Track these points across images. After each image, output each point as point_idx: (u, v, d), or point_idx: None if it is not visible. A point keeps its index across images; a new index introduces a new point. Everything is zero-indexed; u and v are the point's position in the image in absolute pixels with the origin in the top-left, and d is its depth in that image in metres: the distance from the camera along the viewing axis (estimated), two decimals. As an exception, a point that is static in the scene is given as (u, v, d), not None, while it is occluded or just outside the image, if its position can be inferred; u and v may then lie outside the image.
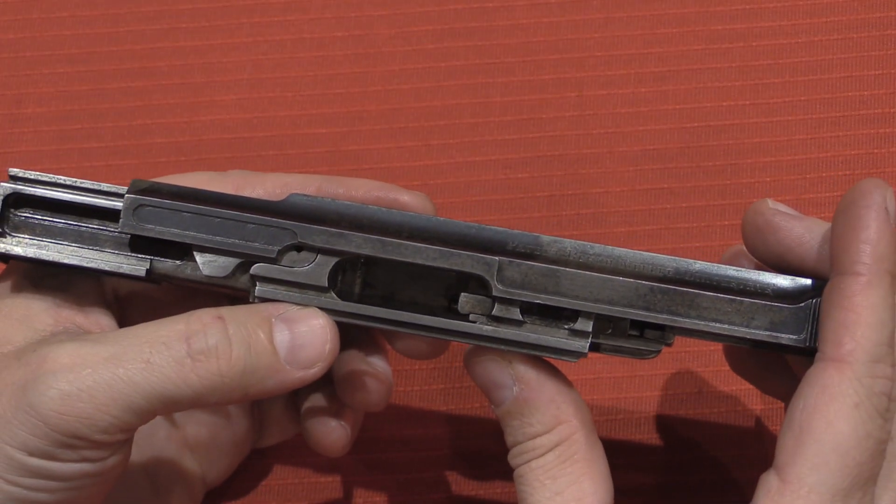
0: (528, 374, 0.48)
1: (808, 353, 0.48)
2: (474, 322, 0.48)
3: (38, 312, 0.49)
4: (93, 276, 0.50)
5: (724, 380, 0.61)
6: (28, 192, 0.49)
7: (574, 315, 0.48)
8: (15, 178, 0.49)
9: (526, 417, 0.48)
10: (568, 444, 0.47)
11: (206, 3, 0.69)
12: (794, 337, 0.48)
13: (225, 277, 0.48)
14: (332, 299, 0.48)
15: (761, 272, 0.48)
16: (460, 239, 0.48)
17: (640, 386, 0.61)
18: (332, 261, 0.48)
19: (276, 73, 0.67)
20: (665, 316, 0.48)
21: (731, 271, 0.48)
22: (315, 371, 0.47)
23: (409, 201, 0.52)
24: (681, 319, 0.48)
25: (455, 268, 0.48)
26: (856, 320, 0.45)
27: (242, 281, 0.48)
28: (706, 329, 0.48)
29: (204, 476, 0.57)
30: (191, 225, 0.48)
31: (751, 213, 0.49)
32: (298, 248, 0.48)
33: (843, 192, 0.63)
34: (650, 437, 0.61)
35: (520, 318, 0.48)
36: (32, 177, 0.49)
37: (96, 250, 0.49)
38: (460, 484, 0.61)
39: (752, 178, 0.64)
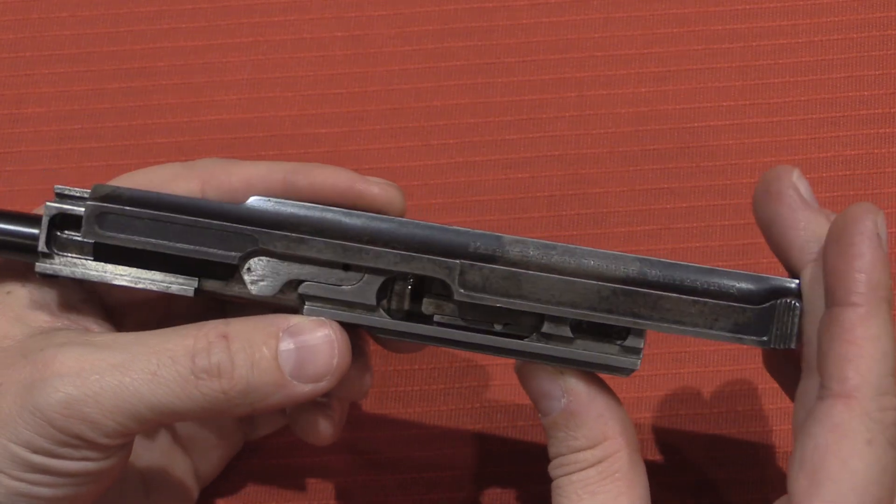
0: (579, 388, 0.48)
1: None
2: (523, 338, 0.48)
3: (33, 310, 0.49)
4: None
5: (725, 380, 0.61)
6: (74, 213, 0.49)
7: (624, 331, 0.48)
8: (62, 197, 0.49)
9: (572, 430, 0.48)
10: (611, 461, 0.47)
11: (207, 4, 0.69)
12: (758, 339, 0.47)
13: (273, 296, 0.48)
14: (382, 317, 0.48)
15: (727, 272, 0.48)
16: (423, 242, 0.48)
17: (639, 386, 0.61)
18: (380, 279, 0.48)
19: (276, 73, 0.67)
20: (628, 318, 0.47)
21: (695, 272, 0.48)
22: (324, 384, 0.47)
23: (375, 192, 0.51)
24: (643, 322, 0.47)
25: (417, 272, 0.48)
26: (858, 353, 0.44)
27: (291, 299, 0.48)
28: (669, 331, 0.47)
29: (196, 470, 0.57)
30: (153, 231, 0.48)
31: (772, 173, 0.48)
32: (260, 253, 0.48)
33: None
34: (650, 436, 0.61)
35: (570, 335, 0.48)
36: (78, 194, 0.49)
37: (143, 269, 0.49)
38: (460, 484, 0.61)
39: (752, 178, 0.64)
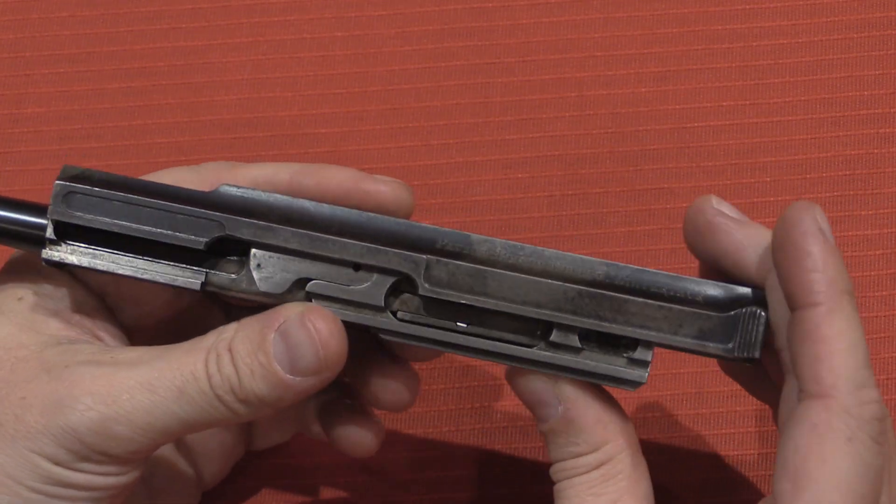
0: (575, 395, 0.47)
1: (741, 362, 0.48)
2: (531, 347, 0.48)
3: (45, 318, 0.49)
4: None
5: (724, 380, 0.61)
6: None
7: (633, 343, 0.47)
8: (71, 178, 0.48)
9: (571, 437, 0.47)
10: (613, 463, 0.47)
11: (207, 3, 0.69)
12: (722, 346, 0.47)
13: (281, 294, 0.48)
14: (389, 319, 0.48)
15: (694, 279, 0.47)
16: (390, 235, 0.48)
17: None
18: (390, 280, 0.48)
19: (277, 73, 0.67)
20: (591, 321, 0.47)
21: (663, 277, 0.47)
22: (323, 377, 0.47)
23: (383, 190, 0.51)
24: (607, 325, 0.47)
25: (382, 265, 0.47)
26: (828, 351, 0.44)
27: (299, 297, 0.48)
28: (633, 335, 0.47)
29: (199, 476, 0.57)
30: (120, 214, 0.48)
31: (693, 210, 0.48)
32: (227, 240, 0.48)
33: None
34: (650, 436, 0.61)
35: (578, 345, 0.47)
36: (88, 174, 0.48)
37: (150, 261, 0.48)
38: (460, 484, 0.61)
39: (752, 178, 0.64)
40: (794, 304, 0.45)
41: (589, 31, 0.67)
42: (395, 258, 0.47)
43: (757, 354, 0.47)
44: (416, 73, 0.67)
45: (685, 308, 0.47)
